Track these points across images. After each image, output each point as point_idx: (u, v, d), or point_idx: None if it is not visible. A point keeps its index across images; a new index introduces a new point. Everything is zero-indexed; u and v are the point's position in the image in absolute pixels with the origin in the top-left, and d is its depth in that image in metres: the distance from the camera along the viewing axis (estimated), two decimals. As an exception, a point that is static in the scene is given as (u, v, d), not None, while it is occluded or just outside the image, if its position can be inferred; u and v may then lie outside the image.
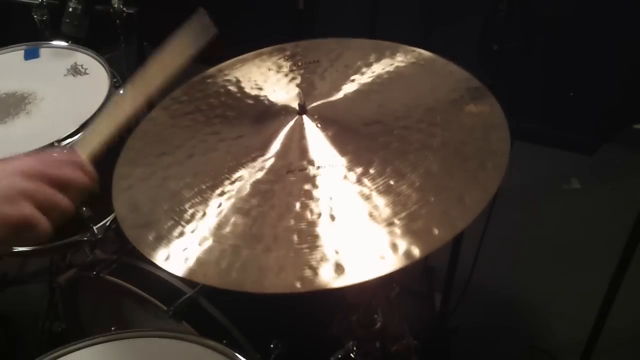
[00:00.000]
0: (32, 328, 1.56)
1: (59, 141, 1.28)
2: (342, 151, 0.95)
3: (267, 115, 1.07)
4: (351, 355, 1.15)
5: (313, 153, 0.95)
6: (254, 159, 0.97)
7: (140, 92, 0.90)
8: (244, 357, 0.99)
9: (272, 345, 1.20)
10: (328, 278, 0.78)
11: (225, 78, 1.19)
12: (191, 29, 0.98)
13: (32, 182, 0.72)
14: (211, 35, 0.98)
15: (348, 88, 1.10)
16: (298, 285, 0.78)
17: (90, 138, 0.83)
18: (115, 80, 1.47)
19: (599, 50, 2.09)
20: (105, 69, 1.50)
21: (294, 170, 0.93)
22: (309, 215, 0.86)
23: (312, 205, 0.87)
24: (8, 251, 1.36)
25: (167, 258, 0.85)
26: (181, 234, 0.88)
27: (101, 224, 1.42)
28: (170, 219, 0.90)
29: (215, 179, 0.95)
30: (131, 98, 0.88)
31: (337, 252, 0.80)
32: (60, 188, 0.74)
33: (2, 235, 0.70)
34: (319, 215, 0.85)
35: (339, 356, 1.15)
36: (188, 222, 0.89)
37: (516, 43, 1.50)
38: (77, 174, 0.76)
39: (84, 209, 1.35)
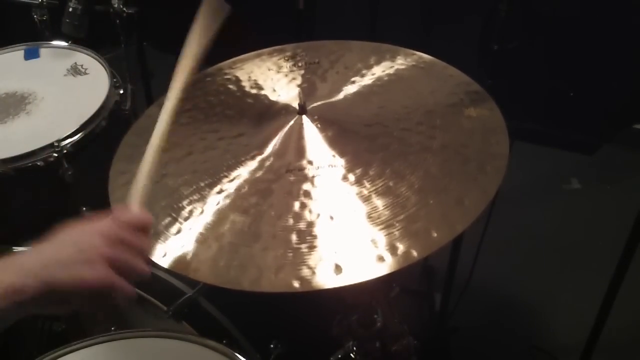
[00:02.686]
0: (32, 328, 1.55)
1: (59, 141, 1.28)
2: (342, 152, 0.95)
3: (267, 114, 1.07)
4: (351, 355, 1.15)
5: (312, 153, 0.96)
6: (253, 158, 0.97)
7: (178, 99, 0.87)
8: (243, 357, 0.99)
9: (272, 346, 1.20)
10: (326, 278, 0.78)
11: (225, 77, 1.19)
12: (206, 13, 0.93)
13: (112, 246, 0.69)
14: (226, 13, 0.95)
15: (348, 89, 1.10)
16: (296, 284, 0.78)
17: (140, 184, 0.79)
18: (115, 80, 1.47)
19: (599, 50, 2.09)
20: (105, 69, 1.50)
21: (293, 169, 0.93)
22: (307, 215, 0.86)
23: (311, 205, 0.87)
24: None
25: (164, 255, 0.86)
26: (179, 230, 0.88)
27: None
28: (167, 215, 0.91)
29: (214, 177, 0.95)
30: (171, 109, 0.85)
31: (335, 253, 0.80)
32: (135, 252, 0.72)
33: (80, 300, 0.67)
34: (318, 215, 0.86)
35: (339, 356, 1.15)
36: (186, 219, 0.89)
37: (516, 43, 1.50)
38: (147, 240, 0.74)
39: (84, 208, 1.35)
